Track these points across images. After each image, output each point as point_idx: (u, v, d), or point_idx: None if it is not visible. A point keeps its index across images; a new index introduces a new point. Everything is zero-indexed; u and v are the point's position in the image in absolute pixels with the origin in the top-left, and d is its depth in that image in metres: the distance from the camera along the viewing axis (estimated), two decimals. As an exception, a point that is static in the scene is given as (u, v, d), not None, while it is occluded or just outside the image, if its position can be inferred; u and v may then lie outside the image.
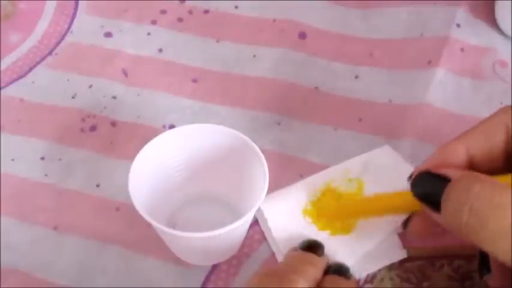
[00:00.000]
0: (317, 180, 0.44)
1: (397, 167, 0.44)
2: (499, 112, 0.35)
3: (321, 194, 0.43)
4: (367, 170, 0.44)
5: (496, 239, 0.29)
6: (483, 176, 0.30)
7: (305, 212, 0.43)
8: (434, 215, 0.32)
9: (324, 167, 0.45)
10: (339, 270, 0.38)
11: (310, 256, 0.38)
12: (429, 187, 0.33)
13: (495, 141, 0.34)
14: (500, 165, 0.34)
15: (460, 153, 0.34)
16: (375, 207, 0.40)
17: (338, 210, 0.43)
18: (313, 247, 0.39)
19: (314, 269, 0.37)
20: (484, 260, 0.36)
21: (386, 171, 0.44)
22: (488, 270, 0.36)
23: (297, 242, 0.40)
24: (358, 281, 0.40)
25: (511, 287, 0.34)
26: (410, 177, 0.35)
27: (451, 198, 0.31)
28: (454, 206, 0.30)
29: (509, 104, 0.49)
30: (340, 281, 0.38)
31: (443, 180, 0.32)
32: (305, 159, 0.47)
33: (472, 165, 0.34)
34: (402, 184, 0.43)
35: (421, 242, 0.41)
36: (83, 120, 0.50)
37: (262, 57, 0.54)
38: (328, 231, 0.42)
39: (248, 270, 0.41)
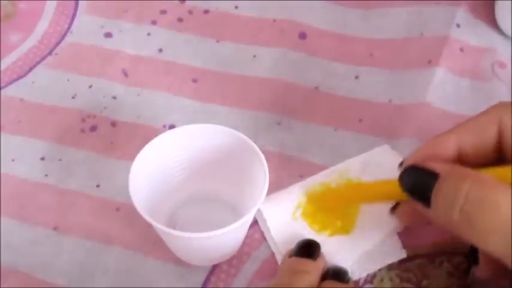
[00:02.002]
0: (316, 181, 0.44)
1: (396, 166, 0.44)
2: (492, 107, 0.35)
3: (320, 195, 0.43)
4: (367, 170, 0.44)
5: (487, 236, 0.29)
6: (472, 173, 0.31)
7: (304, 212, 0.43)
8: (424, 210, 0.32)
9: (323, 167, 0.45)
10: (337, 275, 0.38)
11: (304, 263, 0.38)
12: (417, 182, 0.33)
13: (486, 135, 0.34)
14: (489, 160, 0.34)
15: (449, 146, 0.34)
16: (367, 192, 0.41)
17: (331, 196, 0.43)
18: (309, 247, 0.39)
19: (309, 277, 0.37)
20: (473, 252, 0.37)
21: (386, 171, 0.44)
22: (476, 262, 0.36)
23: (295, 242, 0.40)
24: (358, 281, 0.40)
25: (497, 279, 0.35)
26: (400, 165, 0.35)
27: (440, 196, 0.31)
28: (444, 205, 0.31)
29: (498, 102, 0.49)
30: (338, 285, 0.38)
31: (432, 176, 0.32)
32: (305, 160, 0.47)
33: (461, 159, 0.34)
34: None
35: (410, 226, 0.41)
36: (83, 120, 0.50)
37: (262, 57, 0.54)
38: (327, 232, 0.42)
39: (248, 271, 0.41)
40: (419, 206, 0.33)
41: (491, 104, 0.50)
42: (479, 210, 0.29)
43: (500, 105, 0.35)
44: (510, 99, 0.49)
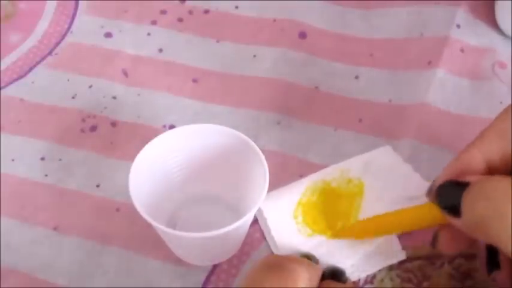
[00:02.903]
0: (317, 179, 0.44)
1: (397, 168, 0.44)
2: (505, 111, 0.35)
3: (320, 194, 0.43)
4: (368, 170, 0.44)
5: None
6: (500, 177, 0.31)
7: (304, 212, 0.43)
8: (456, 222, 0.32)
9: (323, 167, 0.45)
10: (334, 275, 0.38)
11: (306, 259, 0.38)
12: (452, 195, 0.33)
13: (509, 141, 0.34)
14: None
15: (477, 160, 0.34)
16: (393, 223, 0.40)
17: (355, 229, 0.42)
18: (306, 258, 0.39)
19: (312, 268, 0.37)
20: (491, 256, 0.36)
21: (387, 172, 0.44)
22: (497, 266, 0.36)
23: (295, 242, 0.41)
24: (357, 282, 0.40)
25: None
26: (429, 191, 0.35)
27: (468, 198, 0.31)
28: (470, 205, 0.31)
29: (509, 104, 0.49)
30: (337, 285, 0.38)
31: (464, 186, 0.32)
32: (305, 159, 0.47)
33: (491, 171, 0.34)
34: (402, 185, 0.43)
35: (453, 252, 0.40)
36: (83, 120, 0.50)
37: (262, 57, 0.54)
38: (327, 232, 0.42)
39: (248, 270, 0.41)
40: (451, 220, 0.33)
41: (492, 104, 0.50)
42: (505, 204, 0.29)
43: None
44: (510, 100, 0.49)
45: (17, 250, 0.43)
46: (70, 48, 0.55)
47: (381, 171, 0.44)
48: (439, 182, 0.34)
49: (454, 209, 0.32)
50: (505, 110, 0.35)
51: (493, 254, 0.36)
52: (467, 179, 0.32)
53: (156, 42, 0.55)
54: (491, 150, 0.34)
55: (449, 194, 0.33)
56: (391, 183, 0.43)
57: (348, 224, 0.42)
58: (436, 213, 0.34)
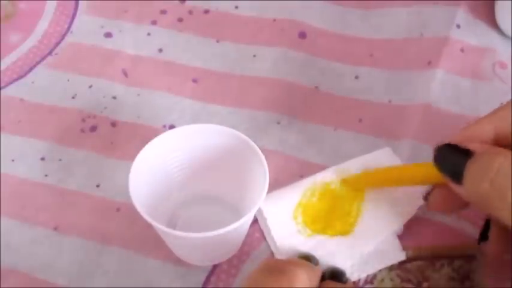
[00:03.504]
0: (317, 180, 0.44)
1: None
2: None
3: (320, 195, 0.44)
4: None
5: None
6: (506, 151, 0.31)
7: (304, 213, 0.43)
8: (456, 187, 0.33)
9: (323, 167, 0.45)
10: (334, 275, 0.39)
11: (306, 261, 0.39)
12: (452, 159, 0.33)
13: None
14: None
15: (486, 130, 0.34)
16: (397, 176, 0.41)
17: (366, 179, 0.43)
18: (306, 259, 0.39)
19: (312, 269, 0.37)
20: (485, 230, 0.37)
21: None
22: (486, 238, 0.37)
23: (295, 242, 0.41)
24: (357, 282, 0.40)
25: (504, 252, 0.36)
26: (436, 147, 0.35)
27: (472, 170, 0.31)
28: (475, 179, 0.31)
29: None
30: (337, 285, 0.38)
31: (466, 154, 0.32)
32: (305, 159, 0.47)
33: (499, 143, 0.34)
34: (402, 187, 0.43)
35: (442, 212, 0.42)
36: (83, 120, 0.50)
37: (262, 57, 0.54)
38: (327, 232, 0.42)
39: (248, 271, 0.41)
40: (451, 184, 0.33)
41: (492, 104, 0.50)
42: (510, 182, 0.30)
43: None
44: (511, 100, 0.49)
45: (17, 250, 0.43)
46: (70, 48, 0.55)
47: None
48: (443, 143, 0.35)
49: (454, 175, 0.32)
50: None
51: (487, 227, 0.37)
52: (471, 146, 0.32)
53: (156, 42, 0.55)
54: (503, 126, 0.34)
55: (451, 160, 0.33)
56: None
57: (348, 225, 0.42)
58: (433, 173, 0.35)
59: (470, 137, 0.34)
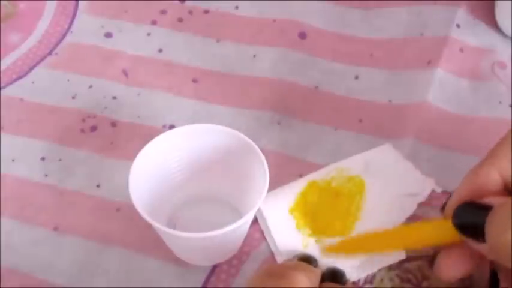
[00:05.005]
0: (317, 178, 0.44)
1: (399, 166, 0.44)
2: None
3: (320, 193, 0.43)
4: (368, 168, 0.44)
5: None
6: None
7: (304, 213, 0.43)
8: (477, 246, 0.32)
9: (323, 167, 0.45)
10: (334, 276, 0.39)
11: (306, 264, 0.39)
12: (472, 218, 0.32)
13: None
14: None
15: (494, 179, 0.33)
16: (404, 240, 0.38)
17: (357, 243, 0.41)
18: (306, 260, 0.39)
19: (312, 272, 0.37)
20: (494, 277, 0.36)
21: (388, 170, 0.44)
22: (497, 286, 0.35)
23: (295, 242, 0.41)
24: (357, 282, 0.40)
25: None
26: (443, 208, 0.35)
27: (494, 224, 0.30)
28: (497, 231, 0.30)
29: (509, 104, 0.49)
30: (335, 286, 0.38)
31: (486, 209, 0.31)
32: (305, 159, 0.47)
33: (507, 187, 0.33)
34: (402, 183, 0.43)
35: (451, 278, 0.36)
36: (83, 120, 0.50)
37: (262, 57, 0.54)
38: (326, 233, 0.42)
39: (248, 271, 0.41)
40: (472, 243, 0.32)
41: (491, 104, 0.50)
42: None
43: None
44: (510, 100, 0.50)
45: (17, 250, 0.43)
46: (70, 48, 0.55)
47: (382, 169, 0.44)
48: (455, 200, 0.33)
49: (475, 233, 0.31)
50: None
51: (495, 275, 0.36)
52: (489, 201, 0.31)
53: (156, 42, 0.55)
54: (507, 167, 0.33)
55: (470, 217, 0.32)
56: (391, 180, 0.44)
57: (348, 225, 0.42)
58: (443, 232, 0.34)
59: (479, 190, 0.33)
